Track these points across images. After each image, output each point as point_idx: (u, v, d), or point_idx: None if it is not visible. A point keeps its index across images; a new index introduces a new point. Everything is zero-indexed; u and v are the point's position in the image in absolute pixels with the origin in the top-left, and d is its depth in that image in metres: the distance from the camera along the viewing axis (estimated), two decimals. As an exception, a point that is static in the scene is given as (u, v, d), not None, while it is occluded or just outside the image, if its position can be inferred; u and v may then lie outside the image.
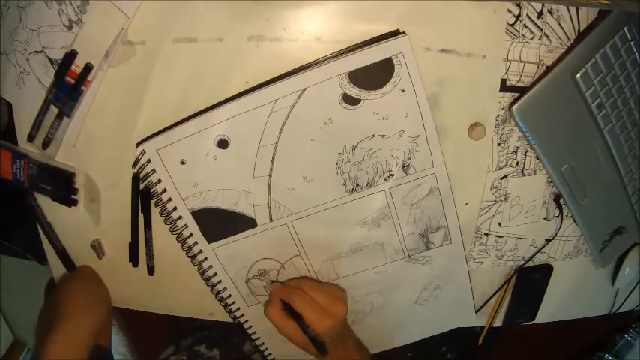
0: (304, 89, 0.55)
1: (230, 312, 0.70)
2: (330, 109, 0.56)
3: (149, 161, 0.59)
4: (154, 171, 0.59)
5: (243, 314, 0.71)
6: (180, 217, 0.62)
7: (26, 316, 0.88)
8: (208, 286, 0.68)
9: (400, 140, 0.58)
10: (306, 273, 0.67)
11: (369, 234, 0.64)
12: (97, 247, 0.67)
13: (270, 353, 0.75)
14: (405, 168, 0.60)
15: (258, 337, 0.73)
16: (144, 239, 0.65)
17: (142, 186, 0.61)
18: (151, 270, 0.68)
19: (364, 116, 0.56)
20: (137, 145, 0.58)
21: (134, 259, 0.67)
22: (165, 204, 0.61)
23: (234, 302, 0.69)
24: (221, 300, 0.69)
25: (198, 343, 0.81)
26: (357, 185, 0.61)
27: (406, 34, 0.53)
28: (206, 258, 0.65)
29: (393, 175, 0.61)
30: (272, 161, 0.58)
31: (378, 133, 0.58)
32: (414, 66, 0.54)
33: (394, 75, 0.55)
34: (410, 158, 0.60)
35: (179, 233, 0.63)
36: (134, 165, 0.59)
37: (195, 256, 0.65)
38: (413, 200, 0.63)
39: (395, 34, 0.54)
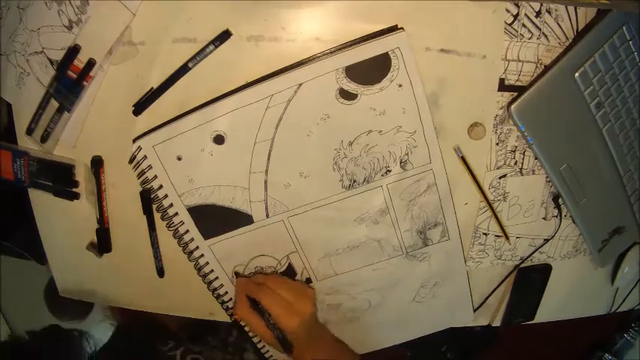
0: (300, 84, 0.55)
1: (227, 309, 0.70)
2: (326, 104, 0.56)
3: (145, 157, 0.59)
4: (150, 167, 0.59)
5: (239, 312, 0.70)
6: (176, 214, 0.62)
7: (26, 316, 0.87)
8: (205, 283, 0.67)
9: (397, 136, 0.58)
10: (303, 270, 0.67)
11: (366, 230, 0.64)
12: (95, 246, 0.67)
13: (268, 350, 0.75)
14: (403, 163, 0.60)
15: (255, 335, 0.73)
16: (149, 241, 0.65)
17: (139, 181, 0.61)
18: (160, 272, 0.67)
19: (361, 111, 0.56)
20: (134, 140, 0.58)
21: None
22: (162, 200, 0.61)
23: (230, 299, 0.69)
24: (218, 297, 0.69)
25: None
26: (354, 181, 0.61)
27: (404, 30, 0.53)
28: (202, 255, 0.65)
29: (390, 171, 0.61)
30: (268, 157, 0.58)
31: (375, 128, 0.58)
32: (412, 61, 0.54)
33: (391, 70, 0.55)
34: (407, 154, 0.60)
35: (175, 230, 0.63)
36: (130, 161, 0.60)
37: (191, 252, 0.65)
38: (411, 196, 0.63)
39: (393, 29, 0.54)
